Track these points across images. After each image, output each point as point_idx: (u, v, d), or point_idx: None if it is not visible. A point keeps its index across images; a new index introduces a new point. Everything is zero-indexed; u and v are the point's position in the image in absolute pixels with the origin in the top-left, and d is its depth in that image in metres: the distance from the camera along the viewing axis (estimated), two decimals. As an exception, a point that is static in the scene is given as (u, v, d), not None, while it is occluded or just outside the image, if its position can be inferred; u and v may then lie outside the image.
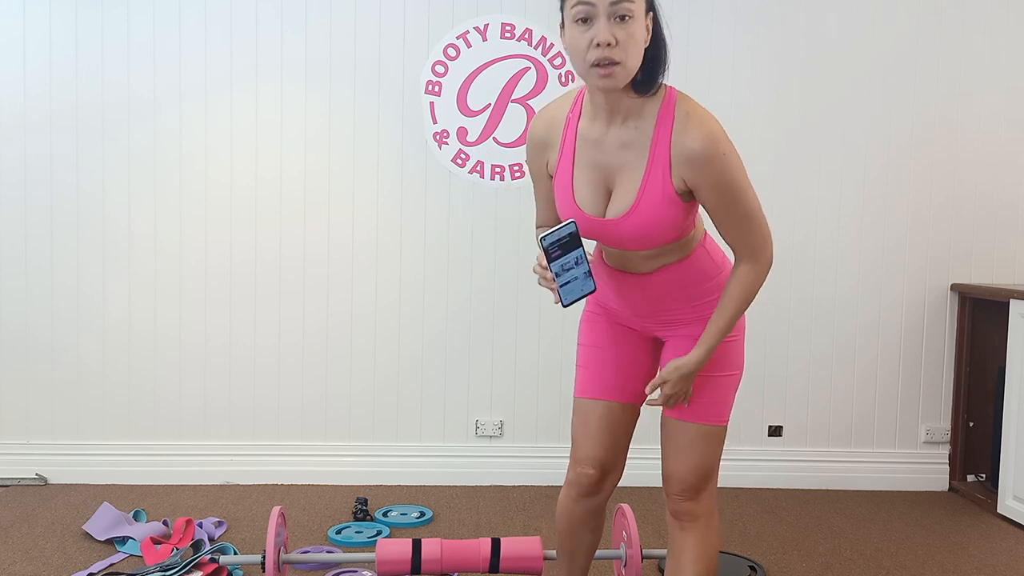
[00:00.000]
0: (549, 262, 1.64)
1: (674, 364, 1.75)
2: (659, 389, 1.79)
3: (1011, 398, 3.25)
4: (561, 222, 1.70)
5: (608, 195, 1.73)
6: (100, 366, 3.52)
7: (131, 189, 3.49)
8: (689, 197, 1.69)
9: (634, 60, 1.59)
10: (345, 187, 3.53)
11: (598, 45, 1.55)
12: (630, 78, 1.61)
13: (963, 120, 3.58)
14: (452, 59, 3.50)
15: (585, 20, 1.57)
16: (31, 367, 3.51)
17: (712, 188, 1.65)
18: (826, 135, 3.57)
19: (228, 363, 3.55)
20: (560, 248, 1.63)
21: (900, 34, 3.55)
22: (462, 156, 3.51)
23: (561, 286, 1.66)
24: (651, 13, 1.62)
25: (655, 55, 1.64)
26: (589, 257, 1.70)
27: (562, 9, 1.63)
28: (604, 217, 1.73)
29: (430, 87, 3.51)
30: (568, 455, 1.99)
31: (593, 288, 1.67)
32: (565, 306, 1.69)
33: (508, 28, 3.49)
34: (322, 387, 3.57)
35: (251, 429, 3.57)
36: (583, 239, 1.68)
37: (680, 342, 1.84)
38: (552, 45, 3.48)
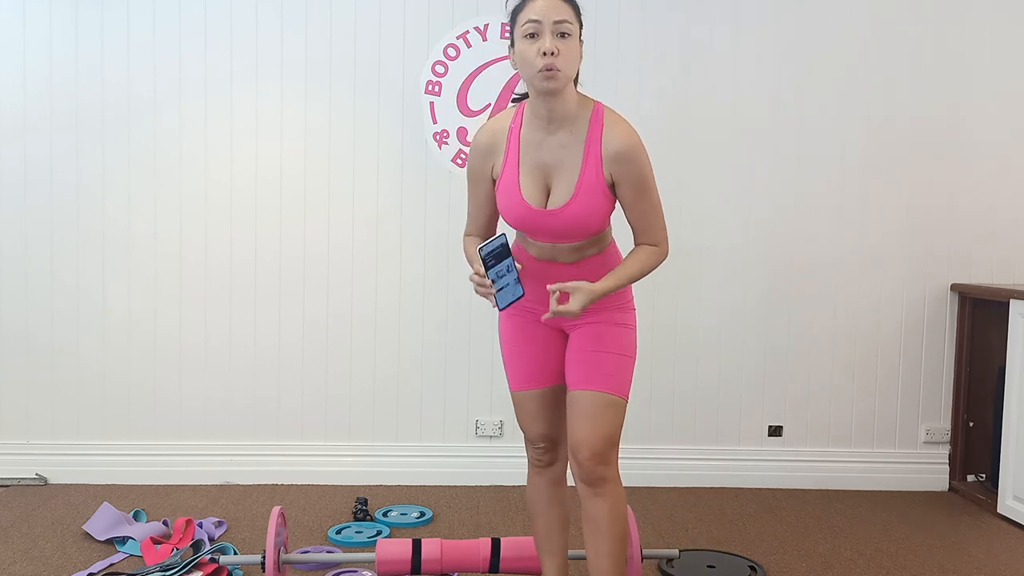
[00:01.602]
0: (486, 270, 1.92)
1: (580, 283, 1.97)
2: (559, 298, 1.96)
3: (1011, 398, 3.25)
4: (495, 230, 2.07)
5: (547, 191, 2.03)
6: (100, 366, 3.52)
7: (131, 189, 3.49)
8: (614, 191, 2.02)
9: (571, 69, 1.95)
10: (345, 187, 3.53)
11: (544, 54, 1.89)
12: (568, 83, 1.96)
13: (964, 120, 3.58)
14: (452, 59, 3.50)
15: (533, 35, 1.92)
16: (31, 367, 3.52)
17: (631, 183, 2.00)
18: (826, 135, 3.56)
19: (228, 363, 3.55)
20: (495, 258, 1.92)
21: (901, 34, 3.55)
22: (462, 156, 3.51)
23: (497, 291, 1.93)
24: (581, 33, 1.99)
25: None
26: (518, 267, 1.94)
27: (512, 31, 2.00)
28: (546, 208, 2.02)
29: (430, 87, 3.51)
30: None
31: (522, 293, 1.94)
32: (501, 310, 1.97)
33: (508, 28, 3.48)
34: (322, 387, 3.57)
35: (251, 429, 3.57)
36: (521, 234, 2.05)
37: (582, 331, 2.11)
38: (552, 45, 3.48)
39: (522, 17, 1.95)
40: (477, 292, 1.99)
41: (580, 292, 1.94)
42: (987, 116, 3.58)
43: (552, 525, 2.25)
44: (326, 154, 3.52)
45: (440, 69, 3.50)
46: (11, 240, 3.49)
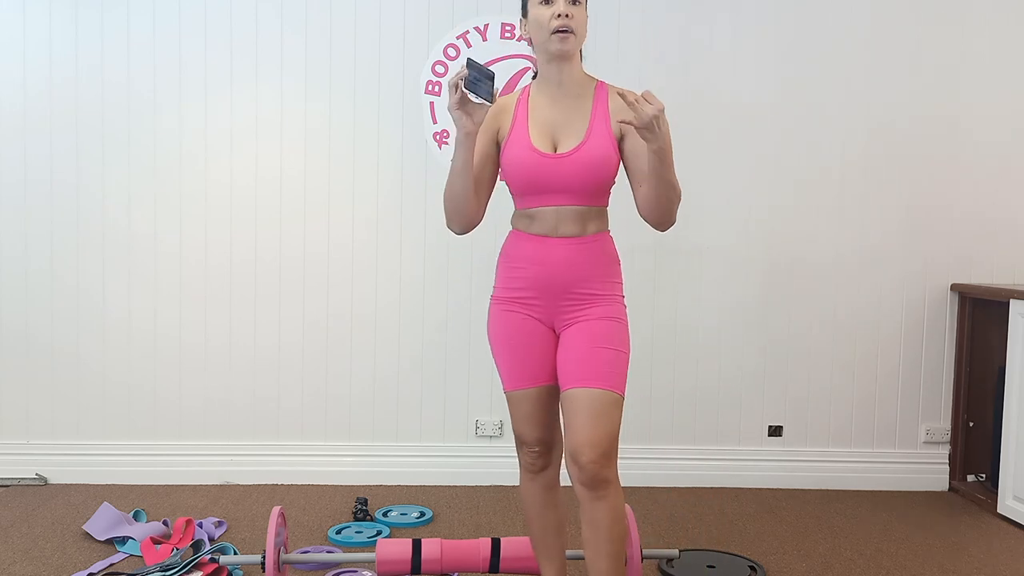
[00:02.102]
0: (468, 71, 1.88)
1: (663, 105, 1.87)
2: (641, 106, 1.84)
3: (1011, 398, 3.25)
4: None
5: (554, 145, 2.06)
6: (100, 366, 3.52)
7: (131, 189, 3.49)
8: (619, 149, 2.05)
9: (582, 32, 2.04)
10: (345, 187, 3.53)
11: (559, 16, 1.99)
12: (579, 47, 2.06)
13: (964, 120, 3.58)
14: (452, 59, 3.50)
15: (548, 2, 2.01)
16: (31, 367, 3.52)
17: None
18: (826, 135, 3.56)
19: (228, 363, 3.55)
20: (479, 72, 1.88)
21: (902, 35, 3.55)
22: (462, 156, 3.50)
23: (472, 83, 1.88)
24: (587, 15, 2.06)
25: None
26: (496, 88, 1.93)
27: (525, 2, 2.08)
28: (556, 153, 2.04)
29: (430, 87, 3.51)
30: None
31: (492, 102, 1.91)
32: (477, 100, 1.92)
33: (508, 28, 3.49)
34: (322, 387, 3.57)
35: (251, 429, 3.57)
36: (524, 215, 2.09)
37: (574, 328, 2.08)
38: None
39: None
40: (449, 88, 1.92)
41: (658, 101, 1.82)
42: (987, 116, 3.58)
43: (548, 529, 2.22)
44: (326, 154, 3.52)
45: (440, 69, 3.50)
46: (11, 240, 3.49)
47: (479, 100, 1.93)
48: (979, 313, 3.55)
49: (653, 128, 1.83)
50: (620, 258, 2.16)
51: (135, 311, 3.52)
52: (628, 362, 2.08)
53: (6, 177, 3.47)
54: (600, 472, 1.96)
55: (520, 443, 2.17)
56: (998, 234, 3.61)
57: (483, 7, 3.49)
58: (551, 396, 2.14)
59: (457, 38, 3.50)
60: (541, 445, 2.15)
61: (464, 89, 1.90)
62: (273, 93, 3.50)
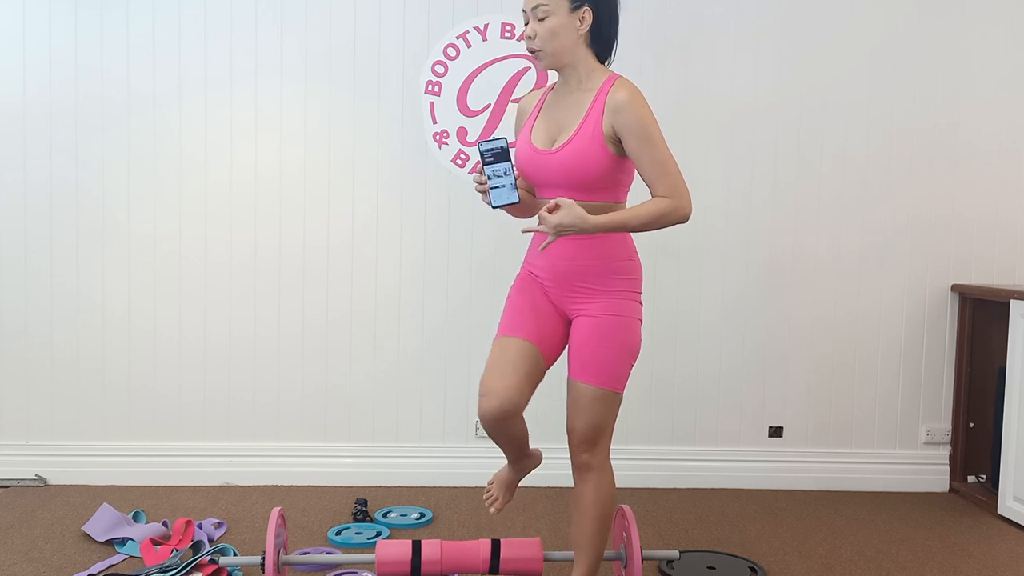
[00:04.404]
0: (483, 166, 2.05)
1: (573, 202, 2.00)
2: (548, 212, 2.01)
3: (1011, 399, 3.25)
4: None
5: (554, 141, 2.16)
6: (100, 366, 3.52)
7: (130, 187, 3.49)
8: (616, 148, 2.09)
9: (552, 47, 2.11)
10: (345, 187, 3.52)
11: (528, 38, 2.13)
12: (557, 60, 2.14)
13: (964, 120, 3.57)
14: (452, 59, 3.50)
15: (526, 23, 2.14)
16: (31, 367, 3.51)
17: (632, 132, 2.06)
18: (827, 135, 3.56)
19: (228, 364, 3.55)
20: (493, 157, 2.04)
21: (902, 36, 3.54)
22: (462, 156, 3.50)
23: (492, 189, 2.05)
24: (583, 7, 2.10)
25: (599, 33, 2.17)
26: (516, 174, 2.06)
27: None
28: (546, 150, 2.15)
29: (430, 87, 3.51)
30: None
31: (517, 200, 2.05)
32: (494, 207, 2.08)
33: (508, 28, 3.48)
34: (322, 388, 3.57)
35: (251, 430, 3.56)
36: (527, 175, 2.17)
37: (586, 320, 2.18)
38: (552, 45, 3.48)
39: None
40: (476, 190, 2.12)
41: (568, 208, 1.98)
42: (988, 116, 3.57)
43: (510, 440, 2.28)
44: (326, 154, 3.52)
45: (440, 69, 3.50)
46: (11, 239, 3.48)
47: (499, 184, 2.06)
48: (979, 313, 3.55)
49: (561, 233, 2.00)
50: (636, 253, 2.22)
51: (135, 311, 3.51)
52: (631, 358, 2.20)
53: (6, 177, 3.47)
54: (581, 456, 2.20)
55: (481, 391, 2.16)
56: (998, 234, 3.61)
57: (483, 7, 3.49)
58: (535, 360, 2.19)
59: (457, 38, 3.49)
60: (498, 401, 2.13)
61: (485, 175, 2.07)
62: (273, 93, 3.49)
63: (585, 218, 1.98)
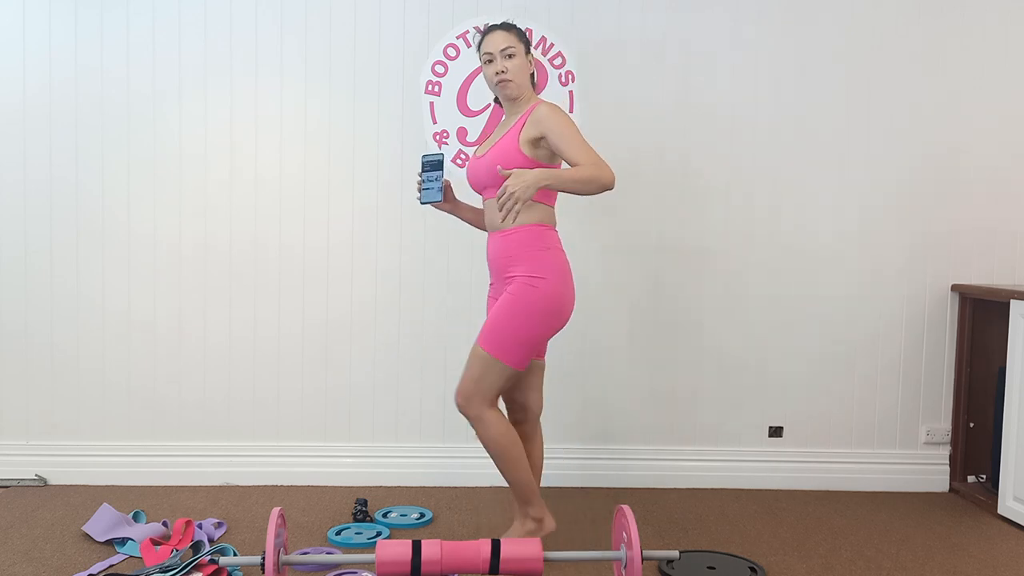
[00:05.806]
0: (423, 172, 2.68)
1: (516, 169, 2.47)
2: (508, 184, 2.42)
3: (1011, 399, 3.25)
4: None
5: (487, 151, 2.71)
6: (100, 366, 3.52)
7: (130, 187, 3.49)
8: (532, 151, 2.59)
9: (519, 79, 2.69)
10: (345, 187, 3.52)
11: (498, 73, 2.67)
12: (519, 89, 2.69)
13: (965, 120, 3.57)
14: (452, 59, 3.50)
15: (490, 61, 2.69)
16: (31, 367, 3.51)
17: (552, 133, 2.55)
18: (827, 135, 3.56)
19: (228, 364, 3.55)
20: (430, 167, 2.67)
21: (901, 38, 3.54)
22: (462, 156, 3.50)
23: (424, 189, 2.67)
24: (529, 53, 2.72)
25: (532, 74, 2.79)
26: (446, 180, 2.76)
27: (479, 55, 2.74)
28: (478, 156, 2.74)
29: (430, 87, 3.51)
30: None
31: (440, 199, 2.67)
32: (422, 204, 2.84)
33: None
34: (322, 387, 3.57)
35: (251, 430, 3.56)
36: (469, 178, 2.78)
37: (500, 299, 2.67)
38: (552, 45, 3.48)
39: (481, 50, 2.71)
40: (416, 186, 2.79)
41: (514, 175, 2.40)
42: (988, 116, 3.57)
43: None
44: (326, 154, 3.52)
45: (440, 69, 3.50)
46: (11, 239, 3.48)
47: (429, 187, 2.67)
48: (979, 313, 3.55)
49: (519, 196, 2.37)
50: (555, 246, 2.64)
51: (135, 310, 3.51)
52: (521, 325, 2.57)
53: (6, 177, 3.47)
54: (461, 406, 2.63)
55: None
56: (998, 235, 3.61)
57: (483, 7, 3.49)
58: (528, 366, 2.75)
59: (457, 38, 3.49)
60: (510, 402, 2.82)
61: (421, 179, 2.69)
62: (273, 93, 3.49)
63: (526, 173, 2.39)
